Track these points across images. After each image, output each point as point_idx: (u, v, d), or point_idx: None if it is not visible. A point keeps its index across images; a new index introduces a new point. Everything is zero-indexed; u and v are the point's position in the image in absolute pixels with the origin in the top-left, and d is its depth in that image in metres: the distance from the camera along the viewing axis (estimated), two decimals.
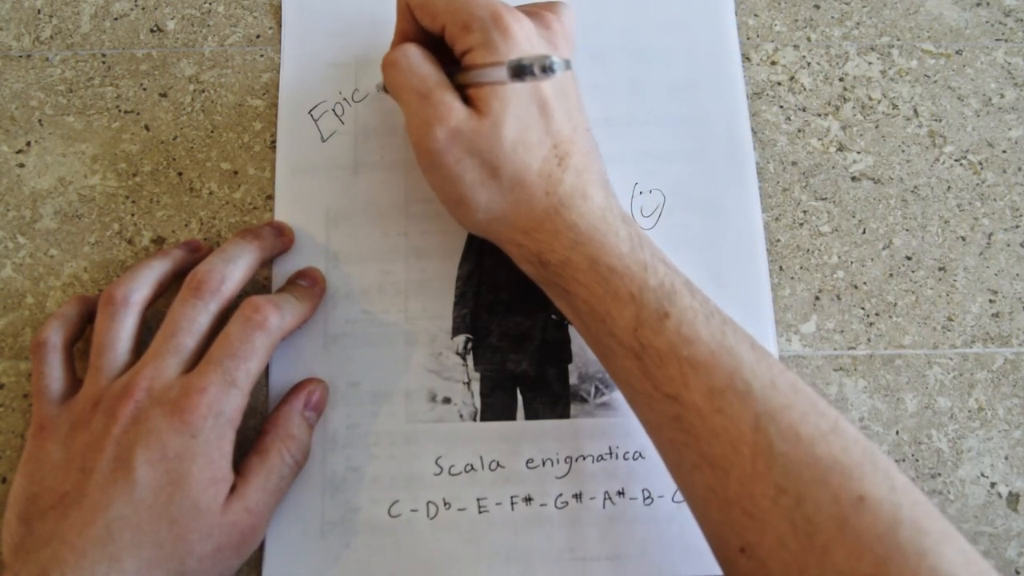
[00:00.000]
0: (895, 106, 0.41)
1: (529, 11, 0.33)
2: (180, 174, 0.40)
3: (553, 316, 0.38)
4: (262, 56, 0.42)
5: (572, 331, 0.37)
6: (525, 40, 0.30)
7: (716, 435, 0.27)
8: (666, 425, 0.29)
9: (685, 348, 0.28)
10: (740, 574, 0.27)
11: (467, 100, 0.31)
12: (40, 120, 0.40)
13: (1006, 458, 0.36)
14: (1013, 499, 0.36)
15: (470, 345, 0.37)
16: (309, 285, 0.37)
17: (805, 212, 0.40)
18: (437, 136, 0.30)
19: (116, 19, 0.42)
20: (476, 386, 0.37)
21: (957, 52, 0.42)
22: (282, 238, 0.37)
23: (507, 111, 0.30)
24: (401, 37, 0.34)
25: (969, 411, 0.37)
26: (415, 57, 0.31)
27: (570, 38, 0.34)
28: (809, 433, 0.26)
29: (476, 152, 0.30)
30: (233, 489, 0.31)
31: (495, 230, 0.32)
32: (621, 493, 0.35)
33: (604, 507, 0.35)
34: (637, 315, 0.29)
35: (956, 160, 0.41)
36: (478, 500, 0.35)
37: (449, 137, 0.30)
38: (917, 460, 0.36)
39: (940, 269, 0.39)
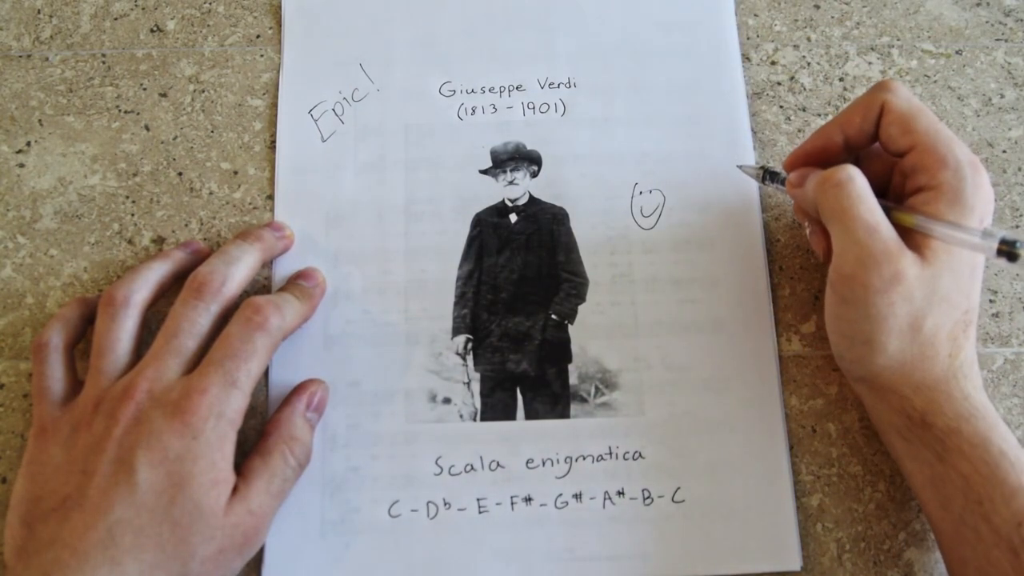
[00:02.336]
0: None
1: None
2: (180, 174, 0.40)
3: (553, 316, 0.38)
4: (262, 56, 0.42)
5: (572, 331, 0.37)
6: (987, 204, 0.29)
7: None
8: None
9: None
10: None
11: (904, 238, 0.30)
12: (40, 120, 0.40)
13: None
14: None
15: (470, 345, 0.37)
16: (309, 285, 0.37)
17: None
18: (882, 276, 0.28)
19: (116, 19, 0.42)
20: (476, 386, 0.37)
21: (957, 52, 0.42)
22: (282, 239, 0.37)
23: (952, 268, 0.29)
24: (823, 141, 0.33)
25: None
26: (864, 185, 0.30)
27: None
28: None
29: (911, 300, 0.29)
30: (235, 491, 0.31)
31: (884, 378, 0.31)
32: (621, 493, 0.35)
33: (604, 507, 0.35)
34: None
35: None
36: (478, 500, 0.35)
37: (892, 279, 0.28)
38: None
39: None
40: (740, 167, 0.38)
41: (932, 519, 0.32)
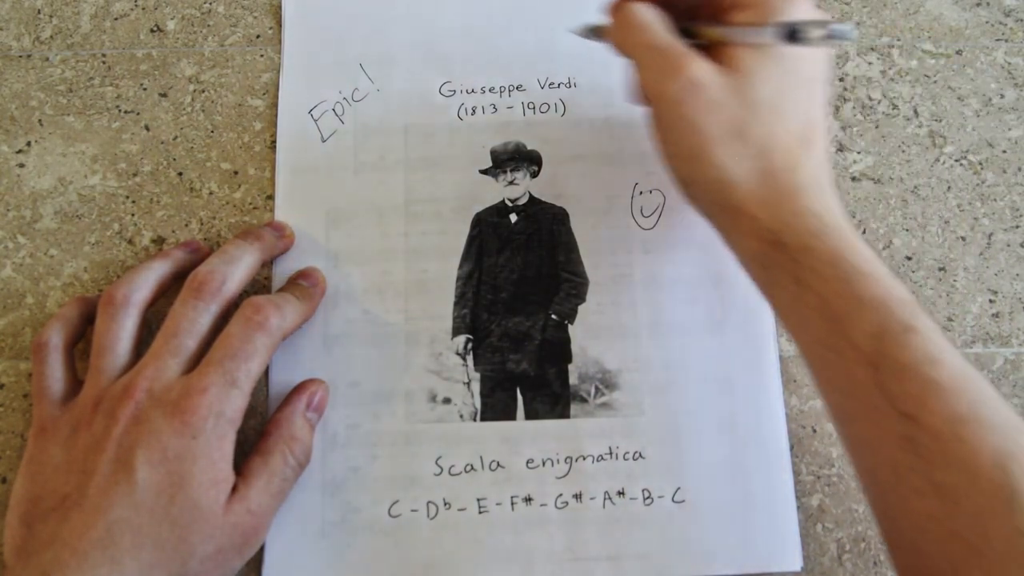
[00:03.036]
0: (895, 106, 0.41)
1: None
2: (180, 174, 0.40)
3: (553, 316, 0.38)
4: (262, 56, 0.42)
5: (572, 331, 0.37)
6: (806, 5, 0.29)
7: (952, 464, 0.25)
8: (890, 444, 0.27)
9: (930, 368, 0.26)
10: None
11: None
12: (40, 120, 0.40)
13: None
14: None
15: (470, 345, 0.37)
16: (309, 285, 0.37)
17: None
18: (680, 84, 0.29)
19: (116, 19, 0.42)
20: (476, 386, 0.37)
21: (957, 52, 0.42)
22: (282, 238, 0.37)
23: (767, 74, 0.29)
24: None
25: None
26: (651, 13, 0.31)
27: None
28: None
29: (723, 106, 0.29)
30: (235, 490, 0.31)
31: (728, 198, 0.30)
32: (621, 493, 0.35)
33: (604, 507, 0.35)
34: (881, 323, 0.27)
35: (956, 160, 0.41)
36: (478, 500, 0.35)
37: (693, 85, 0.29)
38: None
39: (940, 269, 0.39)
40: (572, 31, 0.37)
41: (800, 347, 0.31)
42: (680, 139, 0.30)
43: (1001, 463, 0.25)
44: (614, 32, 0.32)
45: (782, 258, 0.29)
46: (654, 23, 0.30)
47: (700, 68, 0.29)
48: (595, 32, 0.36)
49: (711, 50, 0.30)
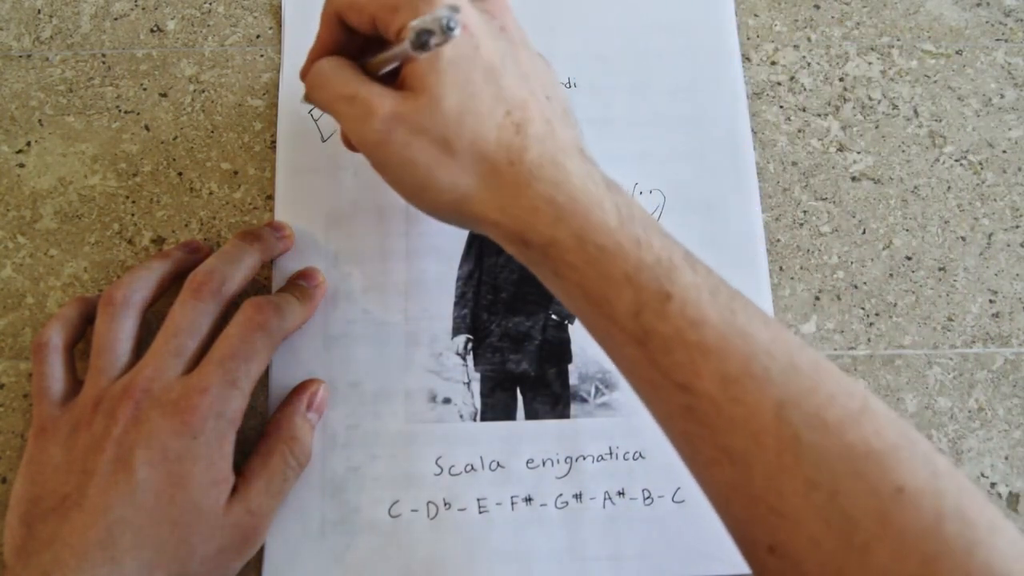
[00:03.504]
0: (895, 106, 0.41)
1: None
2: (180, 174, 0.40)
3: (553, 316, 0.38)
4: (262, 56, 0.42)
5: (572, 331, 0.37)
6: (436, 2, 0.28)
7: (734, 427, 0.25)
8: (678, 416, 0.26)
9: (692, 332, 0.26)
10: (771, 575, 0.25)
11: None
12: (40, 120, 0.40)
13: (1006, 458, 0.36)
14: (1013, 499, 0.36)
15: (470, 345, 0.37)
16: (310, 285, 0.37)
17: (805, 212, 0.40)
18: (375, 127, 0.28)
19: (116, 19, 0.42)
20: (476, 386, 0.37)
21: (957, 52, 0.42)
22: (282, 238, 0.37)
23: (444, 82, 0.27)
24: (320, 50, 0.32)
25: (969, 411, 0.37)
26: (332, 65, 0.30)
27: (508, 10, 0.31)
28: (838, 418, 0.24)
29: (421, 131, 0.28)
30: (235, 490, 0.31)
31: (468, 211, 0.29)
32: (621, 493, 0.35)
33: (604, 507, 0.35)
34: (636, 298, 0.26)
35: (956, 160, 0.41)
36: (478, 500, 0.35)
37: (386, 125, 0.28)
38: None
39: (940, 269, 0.39)
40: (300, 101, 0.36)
41: (592, 336, 0.29)
42: (401, 177, 0.29)
43: (781, 413, 0.24)
44: (310, 97, 0.32)
45: (535, 255, 0.28)
46: (337, 74, 0.30)
47: (387, 103, 0.28)
48: (307, 99, 0.35)
49: (399, 78, 0.29)
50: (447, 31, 0.24)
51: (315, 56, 0.32)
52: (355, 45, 0.31)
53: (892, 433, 0.24)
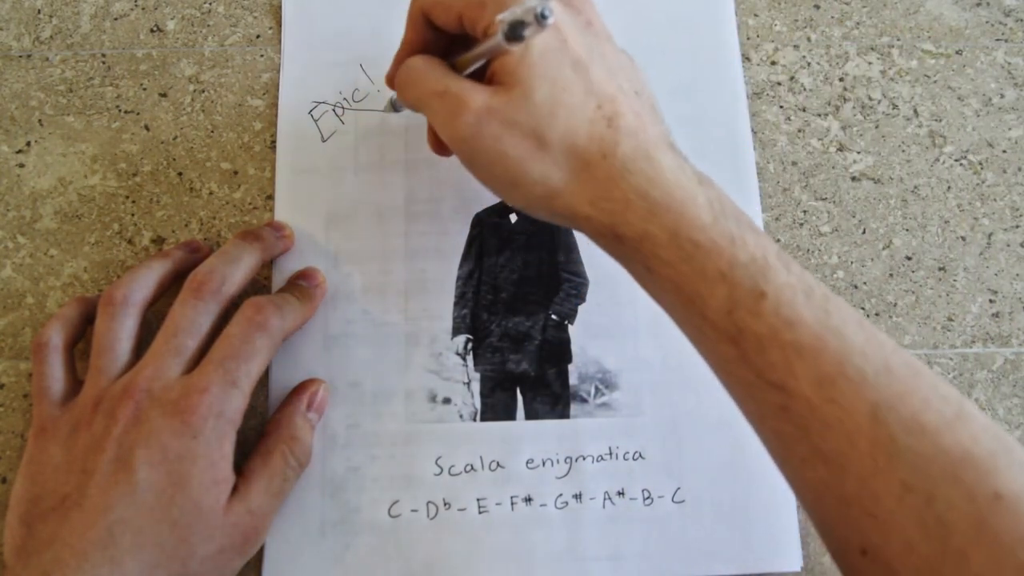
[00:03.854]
0: (895, 106, 0.41)
1: None
2: (180, 174, 0.40)
3: (553, 316, 0.38)
4: (262, 56, 0.42)
5: (572, 331, 0.37)
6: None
7: (829, 427, 0.25)
8: (771, 415, 0.26)
9: (788, 332, 0.25)
10: None
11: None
12: (40, 120, 0.40)
13: None
14: None
15: (470, 345, 0.37)
16: (310, 285, 0.37)
17: (805, 212, 0.40)
18: (467, 121, 0.28)
19: (116, 19, 0.42)
20: (476, 386, 0.37)
21: (957, 52, 0.42)
22: (282, 238, 0.37)
23: (535, 75, 0.28)
24: (408, 50, 0.33)
25: None
26: (422, 63, 0.30)
27: (592, 6, 0.31)
28: (934, 422, 0.24)
29: (513, 124, 0.28)
30: (235, 490, 0.31)
31: (560, 206, 0.29)
32: (621, 493, 0.35)
33: (604, 507, 0.35)
34: (730, 296, 0.26)
35: (956, 160, 0.41)
36: (478, 500, 0.35)
37: (478, 119, 0.28)
38: None
39: (940, 269, 0.39)
40: (382, 111, 0.39)
41: (681, 330, 0.30)
42: (491, 172, 0.29)
43: (876, 415, 0.24)
44: (401, 95, 0.32)
45: (626, 250, 0.28)
46: (428, 70, 0.30)
47: (480, 97, 0.28)
48: (393, 105, 0.37)
49: (488, 73, 0.29)
50: (541, 19, 0.24)
51: (402, 56, 0.32)
52: (441, 45, 0.32)
53: (988, 439, 0.24)
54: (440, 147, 0.34)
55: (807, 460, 0.26)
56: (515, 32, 0.25)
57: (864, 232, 0.39)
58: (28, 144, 0.40)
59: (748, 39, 0.42)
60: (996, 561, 0.22)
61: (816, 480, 0.26)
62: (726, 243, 0.27)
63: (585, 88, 0.28)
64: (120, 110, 0.41)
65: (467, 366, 0.37)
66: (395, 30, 0.42)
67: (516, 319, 0.38)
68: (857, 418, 0.24)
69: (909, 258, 0.39)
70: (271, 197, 0.39)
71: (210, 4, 0.42)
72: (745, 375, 0.27)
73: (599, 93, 0.28)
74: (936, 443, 0.24)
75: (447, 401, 0.36)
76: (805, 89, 0.42)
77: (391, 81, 0.34)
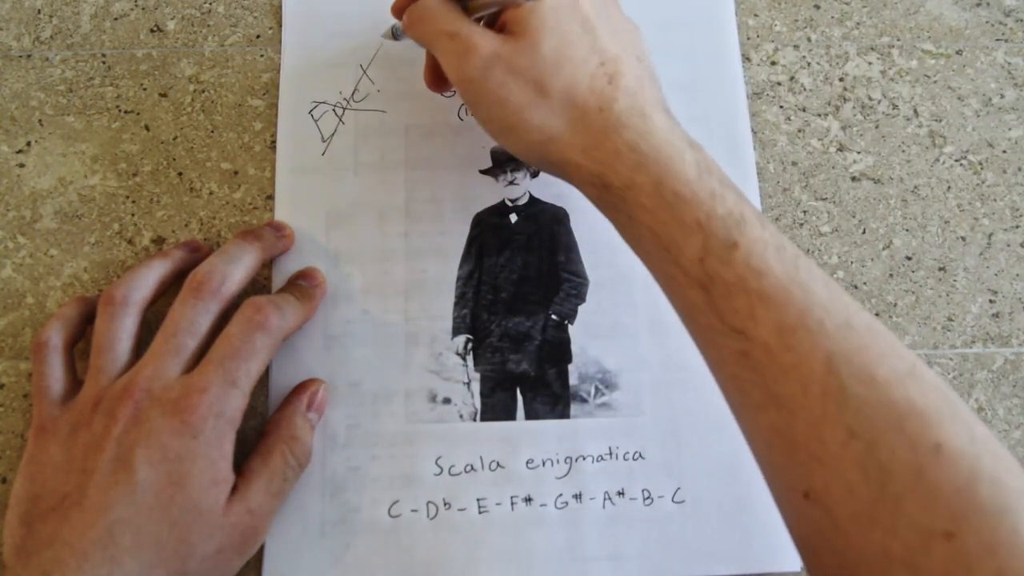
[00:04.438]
0: (895, 106, 0.41)
1: None
2: (180, 174, 0.40)
3: (553, 316, 0.38)
4: (262, 56, 0.42)
5: (572, 331, 0.37)
6: None
7: (784, 373, 0.26)
8: (731, 361, 0.27)
9: (755, 280, 0.27)
10: (803, 520, 0.26)
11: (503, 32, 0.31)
12: (40, 120, 0.40)
13: None
14: None
15: (470, 345, 0.37)
16: (310, 285, 0.37)
17: (805, 212, 0.40)
18: (474, 64, 0.30)
19: (116, 19, 0.42)
20: (476, 386, 0.37)
21: (957, 52, 0.42)
22: (282, 238, 0.37)
23: (544, 26, 0.30)
24: None
25: None
26: (436, 2, 0.32)
27: None
28: (885, 376, 0.25)
29: (518, 72, 0.30)
30: (235, 490, 0.31)
31: (553, 153, 0.31)
32: (621, 493, 0.35)
33: (604, 507, 0.35)
34: (704, 244, 0.27)
35: (956, 160, 0.41)
36: (478, 500, 0.35)
37: (486, 63, 0.30)
38: None
39: (940, 269, 0.39)
40: (380, 35, 0.40)
41: (654, 278, 0.31)
42: (491, 114, 0.31)
43: (831, 364, 0.25)
44: (408, 28, 0.34)
45: (612, 198, 0.30)
46: (441, 10, 0.32)
47: (490, 43, 0.30)
48: (394, 33, 0.38)
49: (498, 21, 0.31)
50: None
51: None
52: None
53: (936, 396, 0.25)
54: (436, 84, 0.36)
55: (761, 405, 0.26)
56: None
57: (864, 232, 0.39)
58: (28, 144, 0.40)
59: (748, 39, 0.42)
60: (930, 508, 0.23)
61: (768, 424, 0.26)
62: (706, 196, 0.28)
63: (591, 46, 0.30)
64: (120, 110, 0.41)
65: (467, 366, 0.37)
66: None
67: (516, 319, 0.38)
68: (812, 365, 0.25)
69: (909, 258, 0.39)
70: (271, 197, 0.39)
71: (210, 4, 0.42)
72: (710, 321, 0.28)
73: (603, 52, 0.30)
74: (885, 395, 0.24)
75: (447, 401, 0.36)
76: (805, 89, 0.42)
77: (399, 12, 0.35)
